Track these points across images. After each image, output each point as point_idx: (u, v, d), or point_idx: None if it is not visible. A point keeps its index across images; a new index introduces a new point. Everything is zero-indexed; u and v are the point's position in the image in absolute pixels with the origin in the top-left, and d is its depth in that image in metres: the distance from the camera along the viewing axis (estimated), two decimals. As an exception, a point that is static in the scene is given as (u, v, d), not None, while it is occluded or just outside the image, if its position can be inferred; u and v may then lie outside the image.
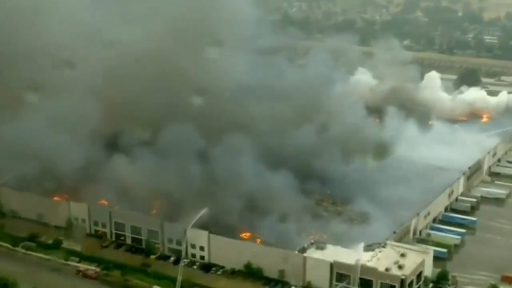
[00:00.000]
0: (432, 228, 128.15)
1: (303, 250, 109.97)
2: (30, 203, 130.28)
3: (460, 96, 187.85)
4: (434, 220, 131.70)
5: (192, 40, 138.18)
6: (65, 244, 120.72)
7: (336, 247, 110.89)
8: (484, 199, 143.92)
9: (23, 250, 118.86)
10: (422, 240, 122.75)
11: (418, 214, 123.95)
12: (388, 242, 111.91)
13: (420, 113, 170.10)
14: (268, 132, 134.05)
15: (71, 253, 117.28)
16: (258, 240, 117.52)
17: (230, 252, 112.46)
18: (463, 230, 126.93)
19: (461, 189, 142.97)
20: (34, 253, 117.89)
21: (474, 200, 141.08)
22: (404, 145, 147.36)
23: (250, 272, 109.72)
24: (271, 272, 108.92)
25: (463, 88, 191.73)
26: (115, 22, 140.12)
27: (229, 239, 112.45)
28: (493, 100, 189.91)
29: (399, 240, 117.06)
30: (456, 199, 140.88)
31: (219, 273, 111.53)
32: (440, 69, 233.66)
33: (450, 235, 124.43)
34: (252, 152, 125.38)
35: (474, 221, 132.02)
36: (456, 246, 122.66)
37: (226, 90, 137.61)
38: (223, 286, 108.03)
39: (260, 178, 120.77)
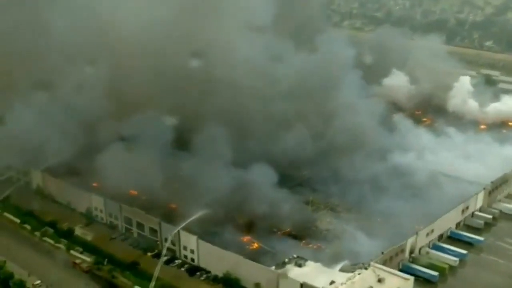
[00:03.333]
0: (435, 246, 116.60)
1: (282, 265, 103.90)
2: (61, 189, 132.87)
3: (494, 105, 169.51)
4: (441, 237, 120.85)
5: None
6: (78, 232, 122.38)
7: (317, 264, 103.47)
8: (504, 216, 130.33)
9: (38, 236, 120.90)
10: (417, 260, 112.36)
11: (417, 233, 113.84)
12: (372, 263, 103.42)
13: (447, 121, 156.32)
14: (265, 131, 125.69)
15: (78, 242, 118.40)
16: (255, 245, 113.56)
17: (215, 258, 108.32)
18: (464, 251, 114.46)
19: (479, 204, 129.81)
20: (49, 240, 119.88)
21: (490, 216, 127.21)
22: (425, 154, 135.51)
23: (229, 281, 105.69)
24: (248, 283, 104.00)
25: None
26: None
27: (213, 246, 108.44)
28: None
29: (390, 259, 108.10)
30: (472, 215, 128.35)
31: (202, 278, 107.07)
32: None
33: (449, 256, 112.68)
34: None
35: (480, 241, 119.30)
36: (452, 268, 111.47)
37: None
38: None
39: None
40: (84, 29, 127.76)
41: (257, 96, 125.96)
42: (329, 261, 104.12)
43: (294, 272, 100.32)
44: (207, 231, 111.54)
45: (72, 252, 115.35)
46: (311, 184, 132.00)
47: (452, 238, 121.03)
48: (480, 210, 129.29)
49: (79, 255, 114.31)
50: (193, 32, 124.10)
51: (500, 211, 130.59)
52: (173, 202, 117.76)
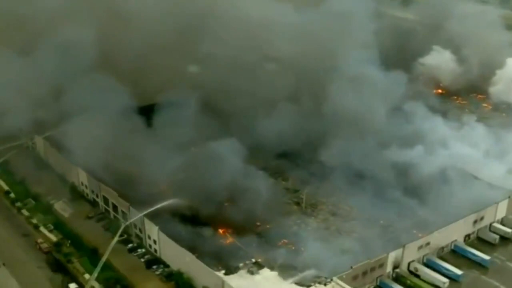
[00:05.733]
0: (428, 262, 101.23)
1: (235, 269, 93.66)
2: (57, 160, 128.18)
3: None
4: (443, 250, 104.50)
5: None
6: (57, 207, 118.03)
7: (272, 273, 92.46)
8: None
9: (18, 207, 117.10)
10: (399, 279, 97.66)
11: (403, 246, 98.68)
12: (335, 278, 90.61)
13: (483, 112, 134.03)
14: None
15: (52, 219, 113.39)
16: (229, 239, 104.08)
17: (172, 253, 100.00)
18: (459, 272, 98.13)
19: (501, 215, 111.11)
20: (25, 213, 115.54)
21: (509, 231, 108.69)
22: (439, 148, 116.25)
23: (180, 280, 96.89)
24: (198, 285, 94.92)
25: None
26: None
27: (171, 240, 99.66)
28: None
29: (364, 275, 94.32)
30: (490, 226, 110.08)
31: (157, 272, 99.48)
32: None
33: (438, 276, 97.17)
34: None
35: (486, 260, 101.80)
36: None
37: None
38: None
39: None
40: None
41: (242, 68, 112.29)
42: (290, 270, 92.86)
43: (241, 281, 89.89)
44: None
45: (41, 229, 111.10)
46: (298, 177, 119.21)
47: (456, 253, 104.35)
48: (502, 221, 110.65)
49: (48, 234, 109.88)
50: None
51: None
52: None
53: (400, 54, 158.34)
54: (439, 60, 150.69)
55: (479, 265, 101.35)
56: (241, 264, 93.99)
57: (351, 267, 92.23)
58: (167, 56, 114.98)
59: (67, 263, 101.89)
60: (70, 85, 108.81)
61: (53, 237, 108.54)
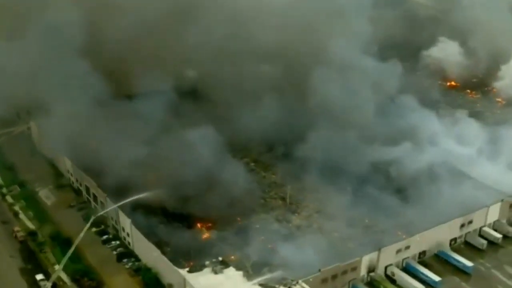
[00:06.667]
0: (407, 266, 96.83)
1: (200, 267, 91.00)
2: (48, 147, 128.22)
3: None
4: (424, 254, 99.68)
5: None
6: (42, 195, 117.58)
7: (238, 273, 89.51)
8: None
9: (2, 194, 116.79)
10: (372, 283, 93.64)
11: (379, 249, 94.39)
12: (300, 281, 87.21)
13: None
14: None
15: (34, 207, 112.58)
16: (206, 235, 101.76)
17: (142, 248, 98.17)
18: (437, 279, 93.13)
19: (493, 218, 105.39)
20: (9, 200, 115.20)
21: (499, 236, 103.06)
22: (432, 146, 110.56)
23: (147, 275, 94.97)
24: (164, 281, 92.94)
25: None
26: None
27: (140, 234, 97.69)
28: None
29: (334, 278, 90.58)
30: (480, 231, 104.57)
31: (127, 266, 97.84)
32: None
33: (414, 283, 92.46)
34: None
35: (468, 267, 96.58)
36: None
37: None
38: (109, 283, 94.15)
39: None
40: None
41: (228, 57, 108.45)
42: (261, 270, 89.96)
43: (203, 279, 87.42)
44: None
45: (21, 216, 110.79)
46: (289, 171, 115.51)
47: (439, 258, 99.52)
48: (494, 226, 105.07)
49: (27, 222, 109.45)
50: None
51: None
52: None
53: (410, 44, 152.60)
54: (445, 52, 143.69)
55: (462, 272, 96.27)
56: (207, 262, 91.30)
57: (319, 270, 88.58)
58: (152, 44, 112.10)
59: (40, 253, 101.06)
60: (50, 70, 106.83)
61: (32, 226, 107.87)
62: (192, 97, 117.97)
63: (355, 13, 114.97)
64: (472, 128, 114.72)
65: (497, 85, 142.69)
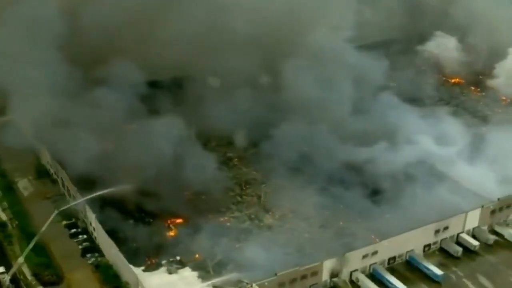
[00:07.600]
0: (374, 272, 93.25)
1: (156, 266, 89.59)
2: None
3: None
4: (394, 260, 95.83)
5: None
6: (20, 186, 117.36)
7: (192, 273, 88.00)
8: (506, 244, 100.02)
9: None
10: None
11: (344, 254, 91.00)
12: (254, 285, 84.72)
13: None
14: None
15: (9, 198, 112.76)
16: (173, 232, 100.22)
17: (105, 244, 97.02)
18: (403, 287, 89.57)
19: (473, 225, 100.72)
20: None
21: (476, 243, 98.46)
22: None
23: (106, 272, 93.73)
24: (122, 279, 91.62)
25: None
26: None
27: (102, 229, 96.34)
28: None
29: (292, 283, 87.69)
30: (457, 237, 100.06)
31: (90, 261, 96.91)
32: None
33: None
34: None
35: (438, 275, 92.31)
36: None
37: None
38: (69, 278, 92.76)
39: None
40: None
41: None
42: (220, 271, 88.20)
43: (155, 279, 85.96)
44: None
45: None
46: (271, 168, 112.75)
47: (410, 265, 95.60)
48: (473, 232, 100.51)
49: (0, 212, 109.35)
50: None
51: (503, 237, 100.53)
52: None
53: (410, 36, 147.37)
54: (442, 47, 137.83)
55: (432, 280, 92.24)
56: (164, 261, 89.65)
57: (275, 274, 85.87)
58: (129, 35, 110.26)
59: (8, 245, 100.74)
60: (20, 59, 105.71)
61: (4, 217, 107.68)
62: (168, 90, 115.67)
63: (340, 2, 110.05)
64: (455, 128, 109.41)
65: (492, 83, 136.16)
